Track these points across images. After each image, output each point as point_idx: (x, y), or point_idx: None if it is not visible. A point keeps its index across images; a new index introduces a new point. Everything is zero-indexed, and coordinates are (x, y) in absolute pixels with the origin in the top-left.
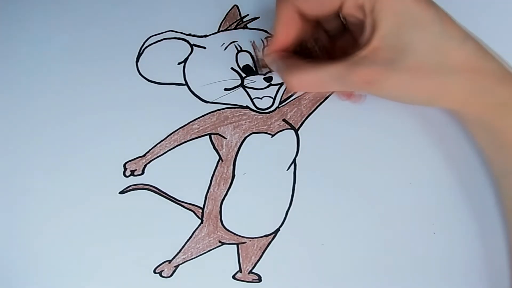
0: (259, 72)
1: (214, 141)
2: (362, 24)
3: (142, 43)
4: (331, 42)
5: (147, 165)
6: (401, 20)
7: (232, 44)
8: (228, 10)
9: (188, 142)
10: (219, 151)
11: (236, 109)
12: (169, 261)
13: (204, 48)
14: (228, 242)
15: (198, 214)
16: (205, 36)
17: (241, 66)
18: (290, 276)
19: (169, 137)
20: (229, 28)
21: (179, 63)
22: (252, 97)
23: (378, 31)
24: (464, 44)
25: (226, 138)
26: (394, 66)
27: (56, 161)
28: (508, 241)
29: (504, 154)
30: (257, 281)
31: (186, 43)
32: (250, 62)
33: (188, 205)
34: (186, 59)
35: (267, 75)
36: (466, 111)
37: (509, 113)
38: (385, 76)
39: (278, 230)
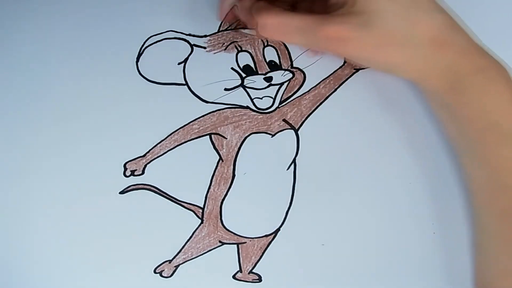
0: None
1: (214, 141)
2: None
3: (142, 43)
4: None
5: (147, 165)
6: None
7: (232, 44)
8: (228, 10)
9: (188, 142)
10: (219, 151)
11: (236, 109)
12: (169, 261)
13: (204, 48)
14: (228, 242)
15: (198, 214)
16: (205, 36)
17: (241, 66)
18: (290, 276)
19: (169, 137)
20: (229, 28)
21: (179, 63)
22: (252, 97)
23: None
24: (432, 17)
25: (226, 138)
26: (363, 29)
27: (56, 161)
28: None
29: (460, 132)
30: (257, 281)
31: (186, 43)
32: (250, 62)
33: (188, 205)
34: (186, 59)
35: (267, 75)
36: (426, 84)
37: (465, 90)
38: (352, 37)
39: (278, 230)
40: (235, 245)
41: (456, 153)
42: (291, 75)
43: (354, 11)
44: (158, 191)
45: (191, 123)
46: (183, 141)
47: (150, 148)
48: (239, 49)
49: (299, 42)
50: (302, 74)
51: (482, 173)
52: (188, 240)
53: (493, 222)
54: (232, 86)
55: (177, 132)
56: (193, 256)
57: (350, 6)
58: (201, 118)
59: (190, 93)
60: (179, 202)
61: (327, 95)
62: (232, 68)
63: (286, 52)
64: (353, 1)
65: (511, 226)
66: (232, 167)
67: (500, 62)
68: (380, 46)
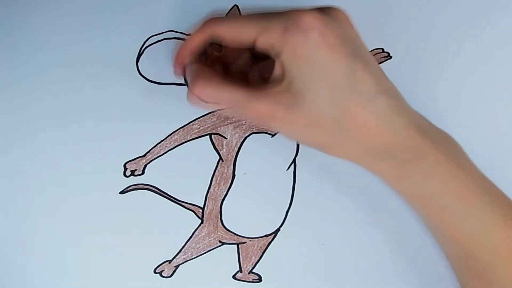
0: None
1: (214, 141)
2: (275, 59)
3: (142, 43)
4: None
5: (147, 165)
6: (309, 68)
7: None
8: (228, 10)
9: (188, 142)
10: (219, 151)
11: None
12: (169, 261)
13: None
14: (228, 242)
15: (198, 214)
16: None
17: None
18: (290, 276)
19: (169, 137)
20: None
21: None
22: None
23: (286, 74)
24: (371, 102)
25: (226, 138)
26: (292, 110)
27: (56, 161)
28: None
29: (417, 213)
30: (257, 281)
31: None
32: None
33: (188, 205)
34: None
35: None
36: (365, 167)
37: (408, 178)
38: (281, 117)
39: (278, 230)
40: (235, 245)
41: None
42: None
43: (288, 89)
44: (158, 191)
45: (191, 123)
46: (183, 141)
47: (150, 148)
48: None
49: (230, 112)
50: None
51: (448, 245)
52: (188, 240)
53: (471, 282)
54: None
55: (177, 132)
56: (193, 256)
57: (286, 84)
58: (201, 118)
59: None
60: (179, 202)
61: None
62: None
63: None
64: (289, 80)
65: (488, 286)
66: (232, 167)
67: (449, 138)
68: (307, 126)
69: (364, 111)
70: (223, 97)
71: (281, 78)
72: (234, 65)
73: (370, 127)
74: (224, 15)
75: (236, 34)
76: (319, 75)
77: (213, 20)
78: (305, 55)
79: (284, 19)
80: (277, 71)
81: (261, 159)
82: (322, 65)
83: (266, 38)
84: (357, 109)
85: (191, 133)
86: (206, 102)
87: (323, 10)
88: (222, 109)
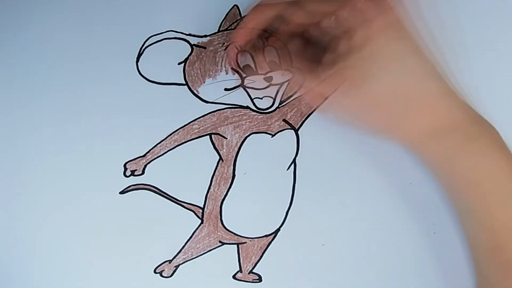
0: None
1: (214, 141)
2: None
3: (142, 43)
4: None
5: (148, 165)
6: (373, 51)
7: (233, 44)
8: (228, 10)
9: (189, 142)
10: (219, 151)
11: (236, 109)
12: (170, 261)
13: (204, 48)
14: (228, 242)
15: (198, 214)
16: (205, 36)
17: (241, 66)
18: (290, 276)
19: (169, 137)
20: (229, 28)
21: (179, 63)
22: (252, 97)
23: (348, 53)
24: (423, 84)
25: (226, 138)
26: (354, 90)
27: (57, 161)
28: None
29: (457, 197)
30: (257, 281)
31: (186, 43)
32: (250, 62)
33: (188, 205)
34: (186, 59)
35: (267, 75)
36: (417, 151)
37: (459, 160)
38: (339, 99)
39: (278, 230)
40: (235, 245)
41: (455, 211)
42: (291, 75)
43: (352, 68)
44: (158, 191)
45: (191, 123)
46: (183, 141)
47: (150, 148)
48: (239, 49)
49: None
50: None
51: (479, 232)
52: (188, 240)
53: (493, 273)
54: (232, 86)
55: (177, 132)
56: (193, 256)
57: (343, 66)
58: (201, 118)
59: (190, 93)
60: (179, 202)
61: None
62: (232, 68)
63: (287, 52)
64: (348, 61)
65: (511, 277)
66: (232, 167)
67: (492, 128)
68: (364, 109)
69: (417, 92)
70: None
71: (339, 59)
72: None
73: (424, 109)
74: (224, 15)
75: (320, 7)
76: (379, 58)
77: None
78: (373, 37)
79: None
80: (341, 48)
81: (261, 159)
82: (382, 48)
83: (344, 14)
84: (410, 91)
85: (191, 133)
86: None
87: None
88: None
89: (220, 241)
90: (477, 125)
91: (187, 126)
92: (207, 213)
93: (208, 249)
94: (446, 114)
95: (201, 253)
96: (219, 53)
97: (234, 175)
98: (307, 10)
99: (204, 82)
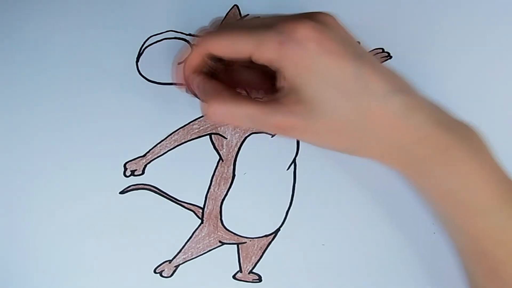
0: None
1: (214, 141)
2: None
3: (142, 43)
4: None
5: (147, 165)
6: (315, 79)
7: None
8: (228, 10)
9: (189, 142)
10: (219, 151)
11: None
12: (169, 261)
13: None
14: (228, 242)
15: (198, 214)
16: None
17: None
18: (290, 276)
19: (169, 137)
20: None
21: (179, 63)
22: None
23: (292, 86)
24: (386, 100)
25: (226, 138)
26: (309, 119)
27: (57, 161)
28: None
29: (434, 207)
30: (257, 281)
31: (186, 43)
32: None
33: (188, 205)
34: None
35: None
36: (387, 165)
37: (428, 173)
38: (299, 125)
39: (278, 230)
40: (235, 245)
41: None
42: None
43: (300, 100)
44: (158, 191)
45: (191, 123)
46: (183, 141)
47: (150, 148)
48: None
49: (248, 127)
50: None
51: (462, 240)
52: (188, 240)
53: (482, 279)
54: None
55: (177, 132)
56: (193, 256)
57: (295, 95)
58: (201, 118)
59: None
60: (179, 202)
61: None
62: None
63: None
64: (298, 91)
65: (499, 283)
66: (232, 167)
67: (470, 131)
68: (328, 132)
69: (381, 110)
70: (239, 114)
71: (288, 90)
72: (235, 71)
73: (389, 126)
74: (224, 15)
75: (231, 50)
76: (328, 83)
77: (205, 38)
78: (308, 66)
79: (278, 33)
80: (281, 83)
81: (261, 159)
82: (328, 73)
83: (262, 54)
84: (373, 110)
85: (191, 133)
86: (221, 121)
87: (312, 17)
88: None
89: (220, 241)
90: (449, 133)
91: (187, 126)
92: (207, 213)
93: (208, 249)
94: (412, 129)
95: (201, 253)
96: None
97: (234, 175)
98: (230, 48)
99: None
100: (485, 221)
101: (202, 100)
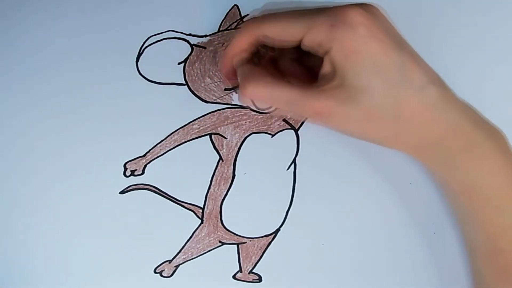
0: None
1: (214, 141)
2: (324, 56)
3: (142, 43)
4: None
5: (147, 165)
6: (361, 63)
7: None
8: (228, 10)
9: (188, 142)
10: (219, 151)
11: (236, 109)
12: (170, 261)
13: (204, 48)
14: (228, 242)
15: (198, 214)
16: (205, 36)
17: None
18: (290, 276)
19: (169, 137)
20: (229, 28)
21: (179, 63)
22: None
23: (337, 70)
24: (423, 92)
25: (226, 138)
26: (349, 105)
27: (56, 161)
28: None
29: (455, 202)
30: (257, 281)
31: (186, 43)
32: None
33: (188, 205)
34: (186, 59)
35: None
36: (417, 157)
37: (457, 166)
38: (337, 111)
39: (278, 230)
40: (235, 245)
41: (454, 215)
42: None
43: (342, 85)
44: (158, 191)
45: (191, 123)
46: (183, 141)
47: (150, 148)
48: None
49: (285, 112)
50: None
51: (478, 237)
52: (188, 240)
53: (492, 279)
54: (232, 86)
55: (177, 132)
56: (193, 256)
57: (338, 80)
58: (201, 118)
59: (190, 93)
60: (179, 202)
61: None
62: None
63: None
64: (342, 76)
65: (509, 283)
66: (232, 167)
67: (497, 131)
68: (365, 121)
69: (418, 101)
70: (276, 97)
71: (332, 75)
72: (281, 62)
73: (424, 117)
74: (224, 15)
75: (282, 34)
76: (371, 69)
77: (256, 20)
78: (356, 50)
79: (329, 16)
80: (326, 68)
81: (261, 159)
82: (374, 59)
83: (313, 36)
84: (411, 100)
85: (191, 133)
86: (259, 103)
87: (362, 7)
88: (273, 110)
89: (220, 241)
90: (479, 130)
91: (187, 126)
92: (207, 213)
93: (208, 249)
94: (445, 122)
95: (201, 253)
96: (219, 53)
97: (234, 175)
98: (282, 30)
99: (204, 82)
100: (506, 219)
101: (240, 88)
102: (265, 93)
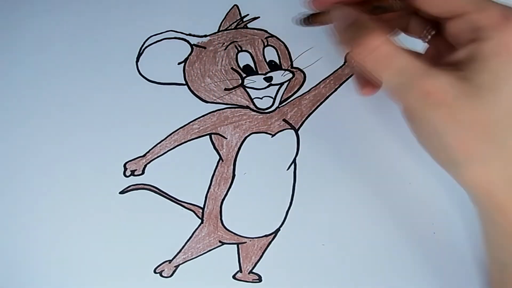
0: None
1: (214, 141)
2: (468, 42)
3: (142, 43)
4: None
5: (147, 165)
6: (507, 63)
7: (232, 44)
8: (228, 10)
9: (188, 142)
10: (219, 151)
11: (236, 109)
12: (169, 261)
13: (204, 48)
14: (228, 242)
15: (198, 214)
16: (205, 36)
17: (241, 66)
18: (290, 276)
19: (169, 137)
20: (229, 28)
21: (179, 63)
22: (252, 97)
23: (475, 62)
24: None
25: (226, 138)
26: (468, 99)
27: (57, 161)
28: None
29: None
30: (257, 281)
31: (186, 43)
32: (250, 62)
33: (188, 205)
34: (186, 59)
35: (267, 75)
36: (489, 197)
37: None
38: (449, 101)
39: (278, 230)
40: (235, 245)
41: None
42: (291, 75)
43: (471, 79)
44: (158, 191)
45: (191, 123)
46: (183, 141)
47: (150, 148)
48: (239, 49)
49: (389, 82)
50: (302, 74)
51: (503, 244)
52: (188, 240)
53: None
54: (232, 86)
55: (177, 132)
56: (193, 256)
57: (468, 72)
58: (201, 118)
59: (190, 93)
60: (179, 202)
61: (327, 95)
62: (232, 68)
63: (286, 52)
64: (477, 69)
65: None
66: (232, 167)
67: None
68: (472, 125)
69: None
70: (397, 61)
71: (464, 63)
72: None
73: None
74: (224, 15)
75: (441, 7)
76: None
77: None
78: (508, 47)
79: (505, 8)
80: (461, 54)
81: (261, 159)
82: None
83: (480, 17)
84: None
85: (191, 133)
86: (367, 63)
87: None
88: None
89: (220, 241)
90: None
91: (187, 126)
92: (207, 213)
93: (208, 249)
94: None
95: (201, 253)
96: (219, 53)
97: (234, 175)
98: None
99: (204, 82)
100: None
101: (363, 39)
102: (387, 53)
